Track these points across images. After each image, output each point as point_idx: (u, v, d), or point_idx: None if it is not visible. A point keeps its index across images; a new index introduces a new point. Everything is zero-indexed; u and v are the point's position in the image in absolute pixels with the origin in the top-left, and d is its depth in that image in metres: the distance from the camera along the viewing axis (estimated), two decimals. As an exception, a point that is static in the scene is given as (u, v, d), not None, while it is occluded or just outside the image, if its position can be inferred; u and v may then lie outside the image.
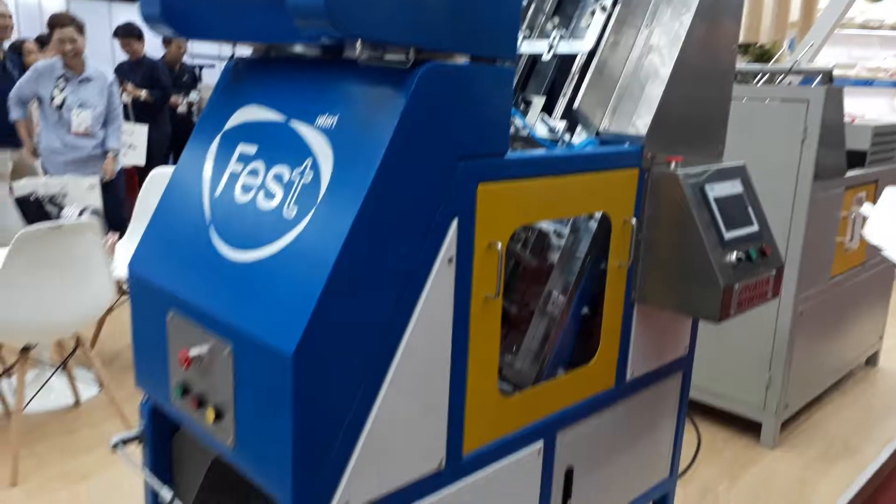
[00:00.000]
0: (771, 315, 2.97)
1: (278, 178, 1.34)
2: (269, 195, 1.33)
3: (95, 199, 3.68)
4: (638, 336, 1.95)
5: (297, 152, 1.33)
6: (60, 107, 4.14)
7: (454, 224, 1.36)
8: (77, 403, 3.06)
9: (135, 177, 5.81)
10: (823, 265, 3.14)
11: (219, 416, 1.33)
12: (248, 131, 1.46)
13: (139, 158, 5.59)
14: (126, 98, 5.68)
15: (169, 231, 1.51)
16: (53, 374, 3.03)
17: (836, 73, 5.27)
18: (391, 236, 1.25)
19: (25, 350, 2.48)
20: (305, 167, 1.30)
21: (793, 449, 3.06)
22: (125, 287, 3.70)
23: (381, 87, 1.26)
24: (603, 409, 1.91)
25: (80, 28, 4.22)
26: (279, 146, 1.37)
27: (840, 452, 3.05)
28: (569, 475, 1.85)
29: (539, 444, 1.72)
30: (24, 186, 3.58)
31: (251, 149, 1.43)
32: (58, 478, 2.55)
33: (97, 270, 2.47)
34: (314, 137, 1.31)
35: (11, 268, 2.23)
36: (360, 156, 1.23)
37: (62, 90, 4.13)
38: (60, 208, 2.88)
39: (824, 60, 6.09)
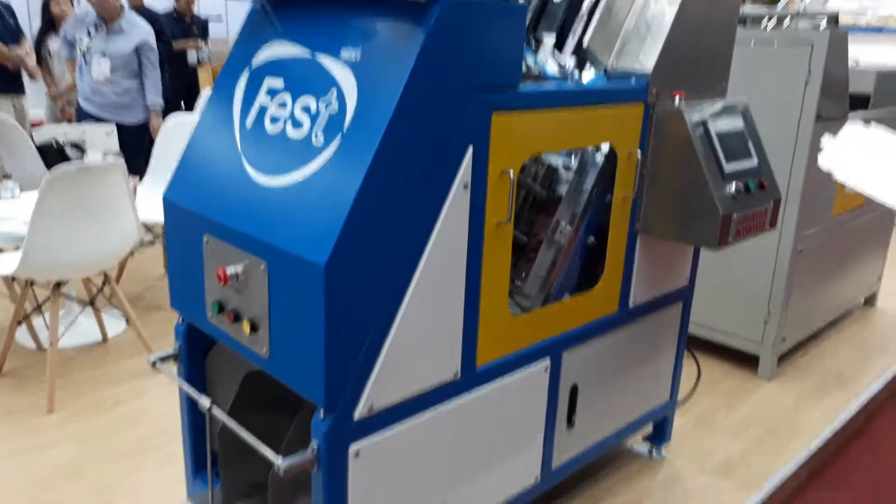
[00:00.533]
0: (771, 252, 3.06)
1: (305, 108, 1.43)
2: (297, 125, 1.43)
3: (114, 145, 3.78)
4: (641, 265, 2.06)
5: (323, 84, 1.42)
6: (85, 54, 4.22)
7: (469, 151, 1.46)
8: (104, 340, 3.21)
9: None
10: (824, 205, 3.22)
11: (254, 328, 1.45)
12: (274, 66, 1.55)
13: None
14: None
15: (202, 162, 1.61)
16: (84, 309, 3.18)
17: (847, 20, 5.24)
18: (412, 161, 1.35)
19: (57, 286, 2.61)
20: (331, 98, 1.39)
21: (789, 381, 3.19)
22: (147, 230, 3.83)
23: (401, 22, 1.35)
24: (606, 333, 2.03)
25: None
26: (305, 79, 1.46)
27: (834, 384, 3.18)
28: (574, 392, 1.98)
29: (546, 362, 1.85)
30: (44, 133, 3.68)
31: (278, 82, 1.52)
32: (91, 406, 2.71)
33: (123, 210, 2.58)
34: (339, 70, 1.41)
35: (43, 207, 2.34)
36: (383, 86, 1.32)
37: (91, 38, 4.20)
38: (83, 152, 2.98)
39: (835, 5, 6.04)
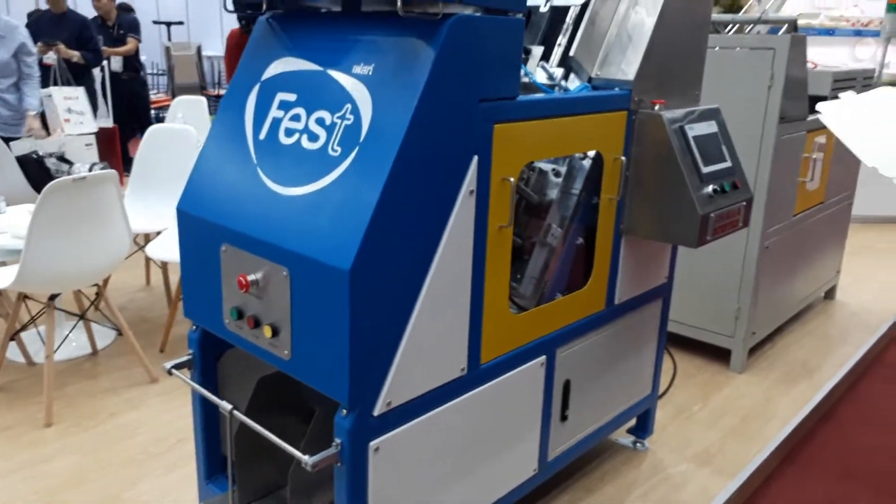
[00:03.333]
0: (739, 250, 3.22)
1: (320, 121, 1.51)
2: (313, 137, 1.50)
3: (93, 156, 3.78)
4: (625, 264, 2.18)
5: (337, 98, 1.50)
6: None
7: (475, 160, 1.55)
8: (94, 352, 3.22)
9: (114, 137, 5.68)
10: (787, 203, 3.39)
11: (275, 332, 1.52)
12: (286, 81, 1.62)
13: (89, 125, 4.82)
14: (51, 59, 5.08)
15: (215, 174, 1.67)
16: (78, 321, 3.17)
17: (801, 22, 5.49)
18: (425, 170, 1.44)
19: (52, 298, 2.62)
20: (346, 111, 1.47)
21: (759, 373, 3.36)
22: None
23: (413, 37, 1.43)
24: (595, 330, 2.14)
25: None
26: (319, 93, 1.54)
27: (801, 374, 3.35)
28: (566, 386, 2.09)
29: (542, 359, 1.95)
30: (21, 146, 3.66)
31: (291, 96, 1.59)
32: (88, 417, 2.72)
33: (116, 221, 2.61)
34: (352, 84, 1.48)
35: (41, 219, 2.36)
36: (398, 99, 1.40)
37: None
38: (70, 164, 2.99)
39: (790, 10, 6.30)
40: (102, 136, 5.63)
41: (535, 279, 2.05)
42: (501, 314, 1.76)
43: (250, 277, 1.51)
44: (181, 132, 3.60)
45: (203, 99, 5.32)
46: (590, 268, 2.07)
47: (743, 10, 4.58)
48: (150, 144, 3.60)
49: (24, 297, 2.75)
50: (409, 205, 1.42)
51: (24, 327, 3.06)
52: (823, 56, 6.40)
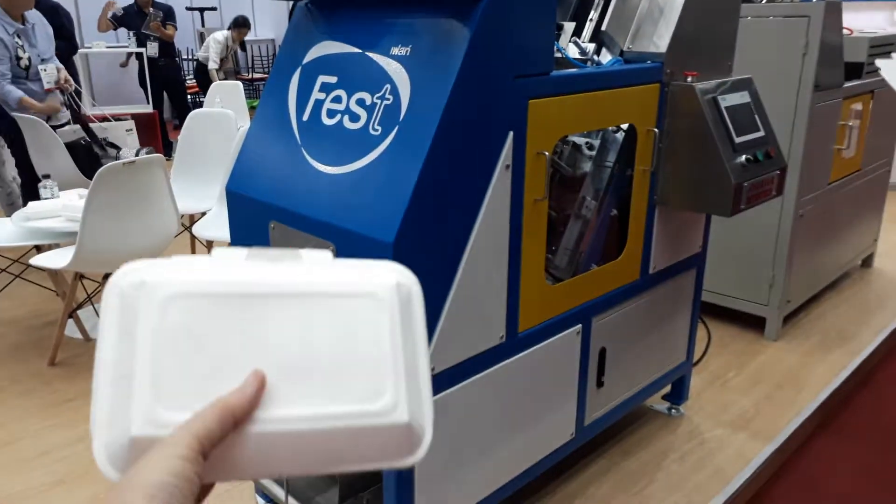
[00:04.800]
0: (773, 218, 3.23)
1: (361, 102, 1.57)
2: (355, 117, 1.57)
3: (134, 141, 3.91)
4: (659, 234, 2.22)
5: (377, 79, 1.56)
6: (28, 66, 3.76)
7: (510, 135, 1.60)
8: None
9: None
10: (822, 171, 3.38)
11: (323, 303, 1.60)
12: (326, 64, 1.69)
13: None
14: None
15: (262, 155, 1.75)
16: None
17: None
18: (463, 146, 1.50)
19: (106, 277, 2.75)
20: (385, 91, 1.54)
21: (793, 340, 3.37)
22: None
23: (448, 18, 1.49)
24: (630, 299, 2.19)
25: None
26: (358, 75, 1.60)
27: (836, 342, 3.36)
28: (602, 354, 2.15)
29: (578, 327, 2.01)
30: (67, 132, 3.80)
31: (332, 79, 1.66)
32: (142, 388, 2.87)
33: (165, 202, 2.72)
34: (390, 65, 1.55)
35: (95, 202, 2.48)
36: (435, 79, 1.46)
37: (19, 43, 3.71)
38: (118, 149, 3.11)
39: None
40: (142, 120, 5.79)
41: (570, 251, 2.10)
42: (538, 285, 1.83)
43: (299, 252, 1.59)
44: (221, 116, 3.70)
45: (239, 84, 5.42)
46: (624, 238, 2.12)
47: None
48: (192, 128, 3.71)
49: (80, 276, 2.88)
50: (448, 180, 1.49)
51: (80, 305, 3.20)
52: (861, 21, 6.26)
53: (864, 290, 4.01)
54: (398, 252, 1.42)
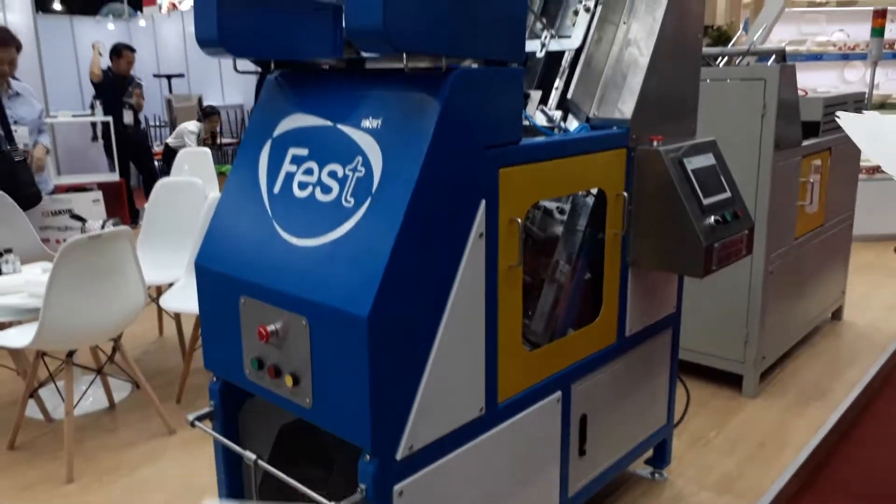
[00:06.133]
0: (744, 275, 3.26)
1: (332, 174, 1.56)
2: (327, 189, 1.56)
3: (101, 212, 3.85)
4: (633, 296, 2.22)
5: (348, 151, 1.56)
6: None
7: (483, 204, 1.60)
8: (112, 406, 3.25)
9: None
10: (788, 227, 3.44)
11: (296, 381, 1.55)
12: (297, 136, 1.69)
13: None
14: None
15: (232, 228, 1.72)
16: (96, 377, 3.21)
17: (788, 49, 5.62)
18: (436, 217, 1.49)
19: (70, 355, 2.66)
20: (357, 163, 1.53)
21: (771, 397, 3.37)
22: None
23: (418, 91, 1.50)
24: (608, 363, 2.17)
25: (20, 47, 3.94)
26: (330, 147, 1.60)
27: (813, 397, 3.36)
28: (583, 421, 2.11)
29: (557, 395, 1.98)
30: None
31: (303, 151, 1.65)
32: (108, 472, 2.74)
33: (131, 275, 2.66)
34: (362, 138, 1.55)
35: (59, 277, 2.41)
36: (407, 150, 1.46)
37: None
38: (83, 221, 3.05)
39: (777, 38, 6.45)
40: (109, 189, 5.74)
41: (547, 315, 2.09)
42: (516, 352, 1.80)
43: (270, 328, 1.55)
44: (189, 185, 3.67)
45: (208, 151, 5.42)
46: (599, 301, 2.11)
47: (732, 42, 4.69)
48: (159, 197, 3.67)
49: (42, 354, 2.78)
50: (422, 251, 1.47)
51: (42, 384, 3.09)
52: (812, 80, 6.52)
53: (836, 344, 4.04)
54: (373, 326, 1.38)
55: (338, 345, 1.45)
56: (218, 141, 8.03)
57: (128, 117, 7.00)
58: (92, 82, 7.06)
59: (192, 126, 7.92)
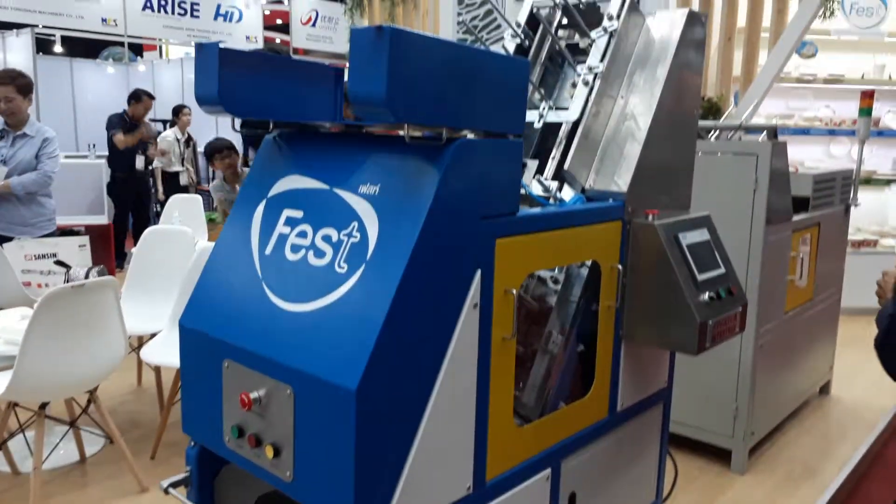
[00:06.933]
0: (734, 349, 3.23)
1: (327, 238, 1.53)
2: (320, 253, 1.53)
3: (86, 258, 3.79)
4: (626, 370, 2.18)
5: (344, 216, 1.53)
6: None
7: (478, 274, 1.57)
8: (83, 460, 3.12)
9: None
10: (778, 301, 3.44)
11: (277, 452, 1.49)
12: (292, 198, 1.66)
13: None
14: None
15: (220, 289, 1.68)
16: (69, 430, 3.10)
17: (776, 122, 5.73)
18: (430, 286, 1.45)
19: (43, 407, 2.57)
20: (353, 228, 1.50)
21: (760, 473, 3.30)
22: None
23: (418, 159, 1.48)
24: (598, 439, 2.12)
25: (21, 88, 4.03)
26: (325, 211, 1.57)
27: (803, 475, 3.30)
28: (572, 499, 2.04)
29: (547, 472, 1.91)
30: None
31: (297, 213, 1.62)
32: (73, 531, 2.63)
33: (113, 327, 2.59)
34: (359, 203, 1.52)
35: (38, 326, 2.34)
36: (404, 218, 1.44)
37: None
38: (68, 268, 3.00)
39: (765, 111, 6.59)
40: (97, 232, 5.68)
41: (538, 388, 2.04)
42: (506, 427, 1.74)
43: (253, 395, 1.50)
44: (178, 233, 3.63)
45: (198, 197, 5.40)
46: (591, 375, 2.07)
47: (724, 116, 4.78)
48: (147, 245, 3.63)
49: (13, 404, 2.69)
50: (415, 321, 1.43)
51: (11, 435, 2.97)
52: (800, 153, 6.64)
53: (825, 420, 4.00)
54: (361, 399, 1.33)
55: (323, 417, 1.39)
56: (239, 171, 7.93)
57: (139, 163, 7.14)
58: (113, 141, 6.99)
59: (167, 135, 7.89)
